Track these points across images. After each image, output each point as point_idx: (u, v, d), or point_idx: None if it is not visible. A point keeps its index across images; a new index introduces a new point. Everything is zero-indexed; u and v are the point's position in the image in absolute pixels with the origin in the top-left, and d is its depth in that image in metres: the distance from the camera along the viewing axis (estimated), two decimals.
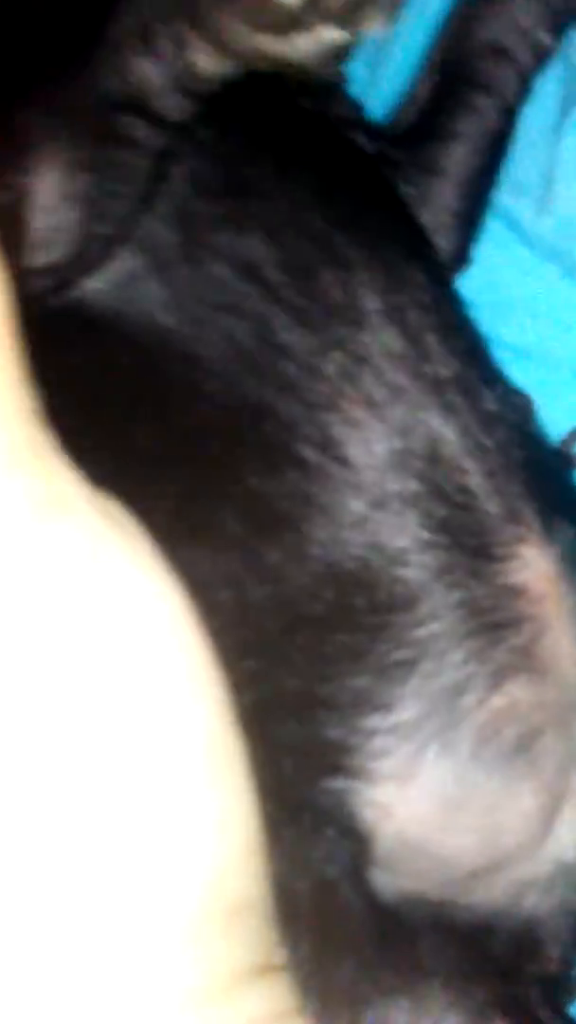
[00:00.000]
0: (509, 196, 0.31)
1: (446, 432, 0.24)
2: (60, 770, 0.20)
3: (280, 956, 0.24)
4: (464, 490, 0.24)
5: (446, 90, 0.30)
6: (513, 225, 0.32)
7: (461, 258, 0.30)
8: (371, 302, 0.24)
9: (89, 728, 0.21)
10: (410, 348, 0.24)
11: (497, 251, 0.32)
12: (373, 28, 0.20)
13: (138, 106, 0.22)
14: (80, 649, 0.21)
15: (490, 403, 0.25)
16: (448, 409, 0.24)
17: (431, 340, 0.24)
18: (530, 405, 0.33)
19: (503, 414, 0.25)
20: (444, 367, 0.24)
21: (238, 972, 0.22)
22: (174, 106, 0.22)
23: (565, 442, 0.32)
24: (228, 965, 0.22)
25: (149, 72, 0.21)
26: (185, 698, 0.22)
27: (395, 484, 0.23)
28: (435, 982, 0.23)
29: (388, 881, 0.24)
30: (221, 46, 0.21)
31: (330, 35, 0.19)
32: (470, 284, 0.32)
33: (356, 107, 0.29)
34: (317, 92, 0.27)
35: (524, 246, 0.32)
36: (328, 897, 0.23)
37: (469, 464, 0.24)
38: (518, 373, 0.32)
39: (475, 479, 0.24)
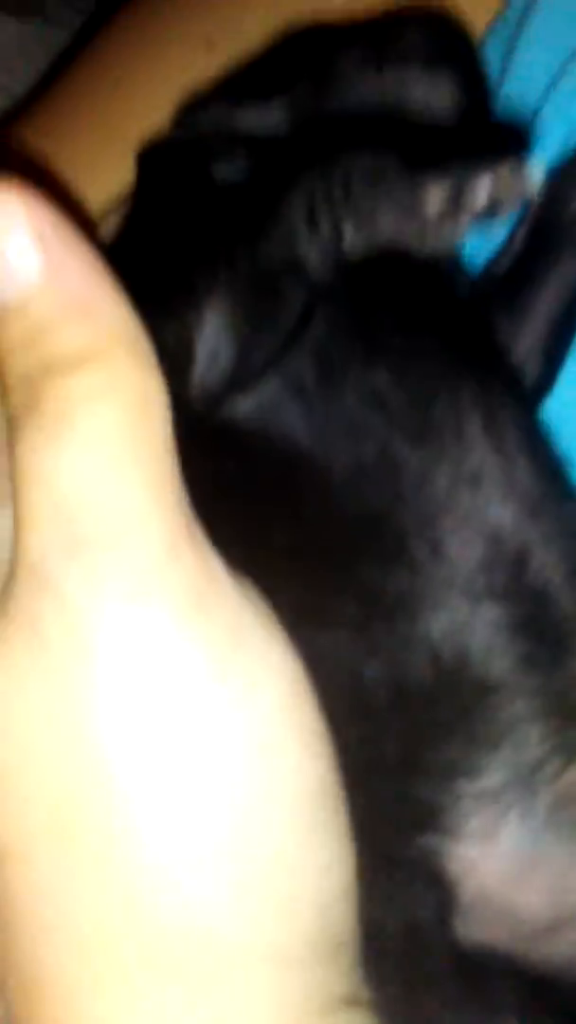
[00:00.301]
0: None
1: (532, 540, 0.27)
2: (207, 821, 0.24)
3: (367, 991, 0.27)
4: (544, 590, 0.27)
5: (537, 248, 0.33)
6: None
7: (545, 385, 0.34)
8: (474, 429, 0.28)
9: (227, 788, 0.24)
10: (505, 467, 0.28)
11: None
12: (506, 214, 0.24)
13: (296, 269, 0.27)
14: (222, 718, 0.24)
15: (569, 515, 0.29)
16: (534, 521, 0.28)
17: (522, 460, 0.28)
18: None
19: None
20: (533, 484, 0.28)
21: (334, 998, 0.25)
22: (324, 272, 0.27)
23: None
24: (326, 990, 0.25)
25: (308, 248, 0.26)
26: (301, 761, 0.25)
27: (487, 584, 0.27)
28: (506, 1021, 0.26)
29: (469, 928, 0.27)
30: (372, 238, 0.25)
31: (462, 232, 0.24)
32: (555, 406, 0.37)
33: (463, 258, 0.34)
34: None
35: None
36: (416, 939, 0.26)
37: (549, 568, 0.27)
38: None
39: (553, 581, 0.27)
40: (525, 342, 0.33)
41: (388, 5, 0.40)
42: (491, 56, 0.41)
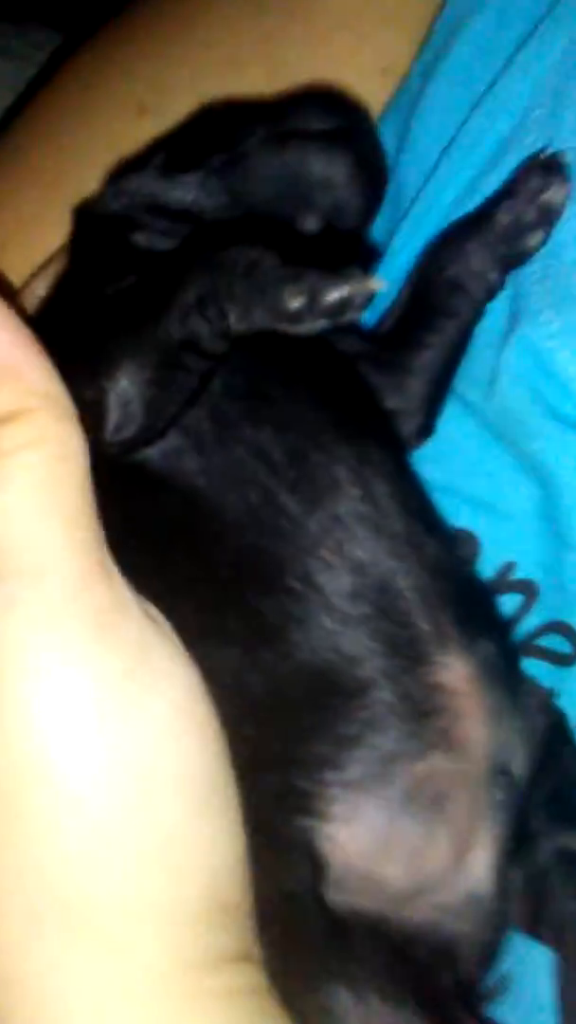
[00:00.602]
0: (465, 385, 0.39)
1: (394, 571, 0.32)
2: (112, 799, 0.28)
3: (257, 949, 0.31)
4: (405, 613, 0.32)
5: (417, 311, 0.38)
6: (468, 406, 0.39)
7: (427, 431, 0.38)
8: (345, 477, 0.33)
9: (131, 772, 0.29)
10: (372, 510, 0.33)
11: (456, 425, 0.39)
12: (353, 316, 0.29)
13: (190, 345, 0.31)
14: (127, 715, 0.29)
15: (430, 549, 0.33)
16: (397, 555, 0.32)
17: (388, 503, 0.33)
18: (475, 541, 0.41)
19: (439, 557, 0.33)
20: (397, 523, 0.33)
21: (226, 954, 0.30)
22: (215, 347, 0.31)
23: (499, 573, 0.40)
24: (217, 947, 0.30)
25: (200, 328, 0.30)
26: (195, 751, 0.30)
27: (354, 608, 0.32)
28: (370, 976, 0.31)
29: (338, 897, 0.32)
30: (249, 323, 0.30)
31: (325, 322, 0.29)
32: (437, 448, 0.41)
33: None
34: None
35: (476, 422, 0.39)
36: (292, 906, 0.31)
37: (410, 594, 0.32)
38: (471, 517, 0.40)
39: (414, 605, 0.32)
40: (409, 395, 0.38)
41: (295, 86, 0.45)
42: (390, 128, 0.46)
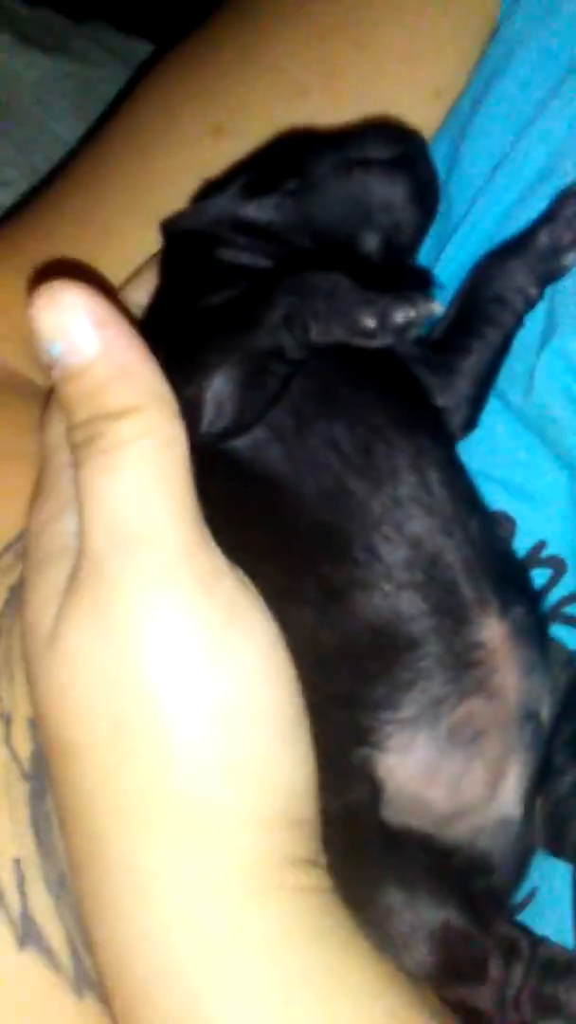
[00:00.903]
0: (507, 384, 0.44)
1: (443, 546, 0.38)
2: (216, 728, 0.34)
3: (324, 857, 0.38)
4: (452, 581, 0.38)
5: (465, 320, 0.43)
6: (508, 403, 0.44)
7: (471, 425, 0.44)
8: (403, 465, 0.38)
9: (229, 706, 0.35)
10: (425, 493, 0.38)
11: (498, 419, 0.44)
12: (416, 333, 0.35)
13: (277, 353, 0.37)
14: (225, 661, 0.35)
15: (474, 528, 0.38)
16: (446, 532, 0.38)
17: (439, 488, 0.38)
18: (512, 522, 0.46)
19: (482, 534, 0.39)
20: (446, 506, 0.38)
21: (298, 857, 0.36)
22: (297, 355, 0.37)
23: (532, 550, 0.46)
24: (291, 850, 0.36)
25: (286, 340, 0.36)
26: (278, 692, 0.36)
27: (410, 576, 0.37)
28: (417, 878, 0.36)
29: (392, 816, 0.38)
30: (328, 338, 0.36)
31: (393, 338, 0.35)
32: (480, 440, 0.45)
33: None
34: None
35: (515, 418, 0.44)
36: (354, 820, 0.37)
37: (456, 565, 0.38)
38: (509, 501, 0.45)
39: (459, 575, 0.38)
40: (457, 393, 0.43)
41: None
42: (441, 149, 0.51)
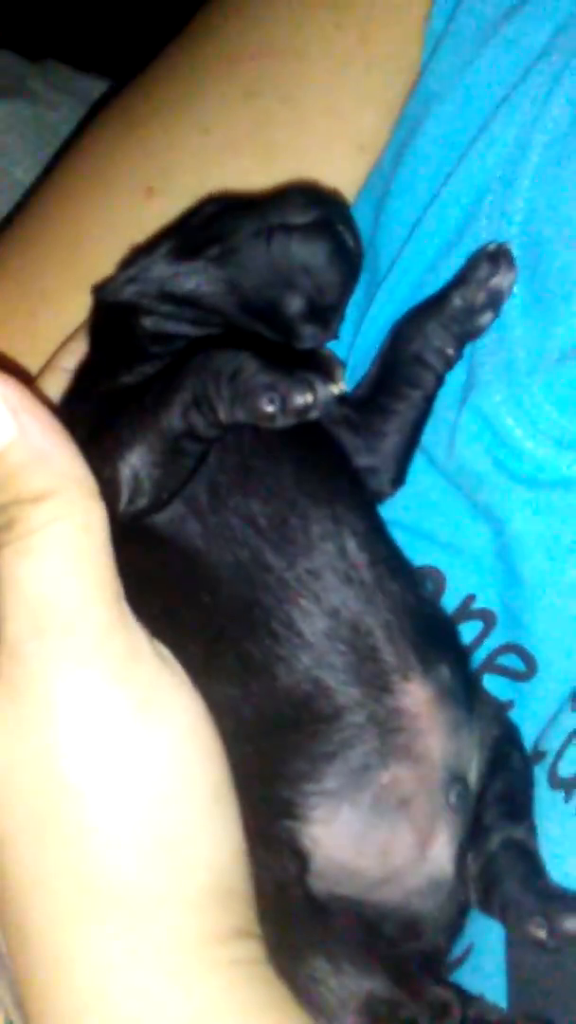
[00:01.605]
0: (430, 440, 0.44)
1: (363, 614, 0.38)
2: (136, 811, 0.34)
3: (256, 928, 0.38)
4: (373, 648, 0.38)
5: (387, 381, 0.43)
6: (432, 460, 0.44)
7: (398, 483, 0.44)
8: (318, 536, 0.38)
9: (150, 787, 0.35)
10: (343, 562, 0.38)
11: (423, 476, 0.44)
12: (317, 415, 0.35)
13: (189, 433, 0.37)
14: (146, 740, 0.35)
15: (395, 591, 0.39)
16: (366, 600, 0.38)
17: (357, 555, 0.38)
18: (442, 577, 0.46)
19: (403, 597, 0.39)
20: (366, 572, 0.39)
21: (233, 930, 0.36)
22: (209, 434, 0.37)
23: (462, 604, 0.45)
24: (223, 925, 0.36)
25: (196, 420, 0.37)
26: (202, 769, 0.36)
27: (330, 647, 0.37)
28: (344, 948, 0.36)
29: (320, 885, 0.38)
30: (235, 419, 0.36)
31: (294, 420, 0.35)
32: (409, 495, 0.45)
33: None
34: None
35: (440, 474, 0.44)
36: (281, 893, 0.37)
37: (377, 632, 0.38)
38: (438, 556, 0.45)
39: (381, 642, 0.38)
40: (382, 453, 0.43)
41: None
42: (367, 204, 0.51)
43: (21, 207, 0.67)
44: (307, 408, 0.34)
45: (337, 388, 0.35)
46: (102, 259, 0.49)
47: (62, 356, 0.46)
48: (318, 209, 0.44)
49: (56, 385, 0.44)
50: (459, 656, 0.41)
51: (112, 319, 0.45)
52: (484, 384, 0.42)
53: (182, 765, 0.35)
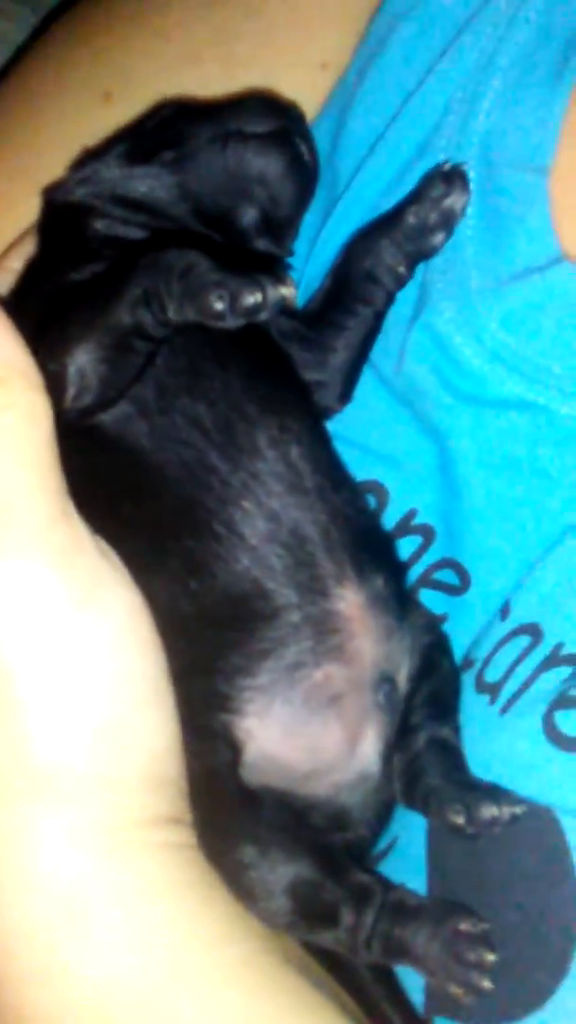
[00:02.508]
0: (379, 358, 0.44)
1: (303, 520, 0.38)
2: (74, 696, 0.35)
3: (188, 816, 0.39)
4: (311, 554, 0.38)
5: (338, 296, 0.43)
6: (381, 376, 0.45)
7: (345, 398, 0.44)
8: (264, 442, 0.39)
9: (88, 675, 0.35)
10: (286, 469, 0.39)
11: (371, 391, 0.45)
12: (266, 316, 0.35)
13: (137, 330, 0.37)
14: (85, 631, 0.35)
15: (335, 502, 0.39)
16: (307, 507, 0.38)
17: (301, 464, 0.39)
18: (384, 491, 0.47)
19: (343, 508, 0.39)
20: (308, 480, 0.39)
21: (163, 816, 0.37)
22: (157, 332, 0.37)
23: (403, 518, 0.46)
24: (155, 810, 0.37)
25: (145, 318, 0.36)
26: (139, 659, 0.37)
27: (269, 550, 0.38)
28: (272, 835, 0.37)
29: (251, 775, 0.38)
30: (184, 317, 0.36)
31: (243, 320, 0.35)
32: (355, 411, 0.45)
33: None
34: None
35: (387, 390, 0.45)
36: (214, 781, 0.38)
37: (315, 538, 0.38)
38: (382, 471, 0.45)
39: (318, 548, 0.38)
40: (331, 368, 0.44)
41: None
42: (329, 122, 0.51)
43: None
44: (256, 308, 0.34)
45: (287, 291, 0.35)
46: (56, 164, 0.48)
47: (10, 257, 0.45)
48: (276, 119, 0.44)
49: (3, 285, 0.44)
50: (394, 569, 0.42)
51: (62, 220, 0.44)
52: (435, 301, 0.42)
53: (118, 656, 0.36)
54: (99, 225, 0.43)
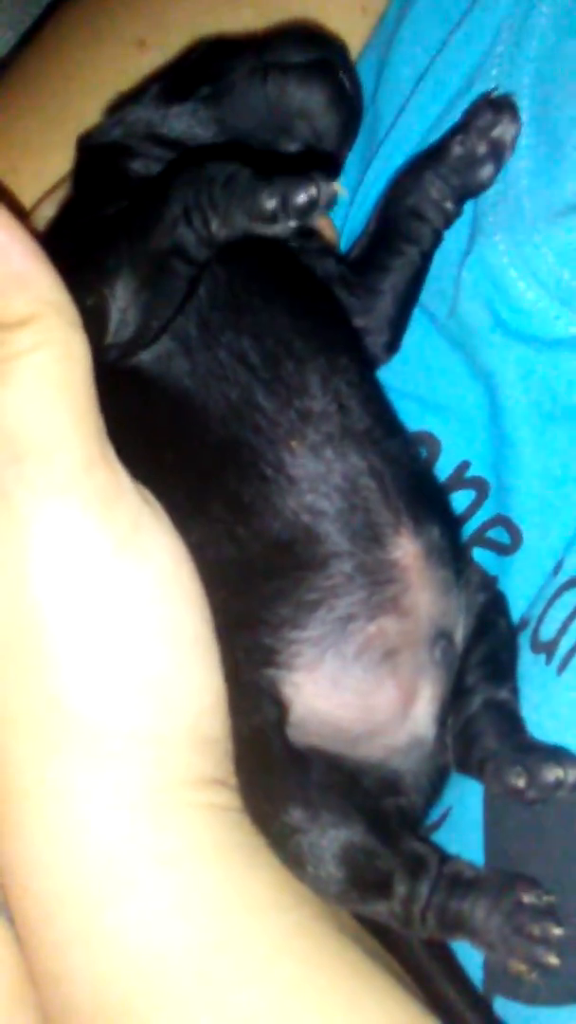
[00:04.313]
0: (431, 300, 0.41)
1: (357, 465, 0.35)
2: (114, 647, 0.32)
3: (233, 778, 0.36)
4: (365, 500, 0.35)
5: (384, 237, 0.40)
6: (433, 320, 0.42)
7: (393, 348, 0.41)
8: (314, 381, 0.35)
9: (128, 625, 0.32)
10: (338, 411, 0.35)
11: (422, 336, 0.42)
12: (320, 215, 0.31)
13: (179, 252, 0.34)
14: (124, 578, 0.33)
15: (389, 447, 0.36)
16: (360, 451, 0.35)
17: (353, 406, 0.36)
18: (437, 443, 0.44)
19: (397, 454, 0.36)
20: (360, 424, 0.36)
21: (208, 776, 0.34)
22: (200, 253, 0.34)
23: (456, 471, 0.43)
24: (199, 770, 0.34)
25: (187, 236, 0.33)
26: (182, 610, 0.34)
27: (321, 494, 0.35)
28: (322, 797, 0.34)
29: (300, 735, 0.35)
30: (231, 228, 0.33)
31: (296, 222, 0.32)
32: (406, 360, 0.42)
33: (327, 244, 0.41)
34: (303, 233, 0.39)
35: (441, 336, 0.42)
36: (260, 741, 0.35)
37: (370, 483, 0.35)
38: (434, 422, 0.42)
39: (374, 493, 0.35)
40: (378, 314, 0.40)
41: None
42: (369, 64, 0.48)
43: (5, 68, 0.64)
44: (310, 205, 0.31)
45: (338, 186, 0.32)
46: (91, 113, 0.46)
47: (44, 206, 0.43)
48: (318, 49, 0.41)
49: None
50: (450, 521, 0.39)
51: (97, 162, 0.41)
52: (487, 235, 0.39)
53: (162, 605, 0.33)
54: (136, 165, 0.40)
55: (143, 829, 0.32)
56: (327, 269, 0.40)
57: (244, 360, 0.35)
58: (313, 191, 0.31)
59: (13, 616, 0.32)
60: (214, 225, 0.33)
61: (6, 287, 0.32)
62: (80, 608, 0.32)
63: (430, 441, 0.42)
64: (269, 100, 0.39)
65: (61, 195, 0.43)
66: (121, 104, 0.44)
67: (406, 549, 0.36)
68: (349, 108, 0.40)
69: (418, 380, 0.43)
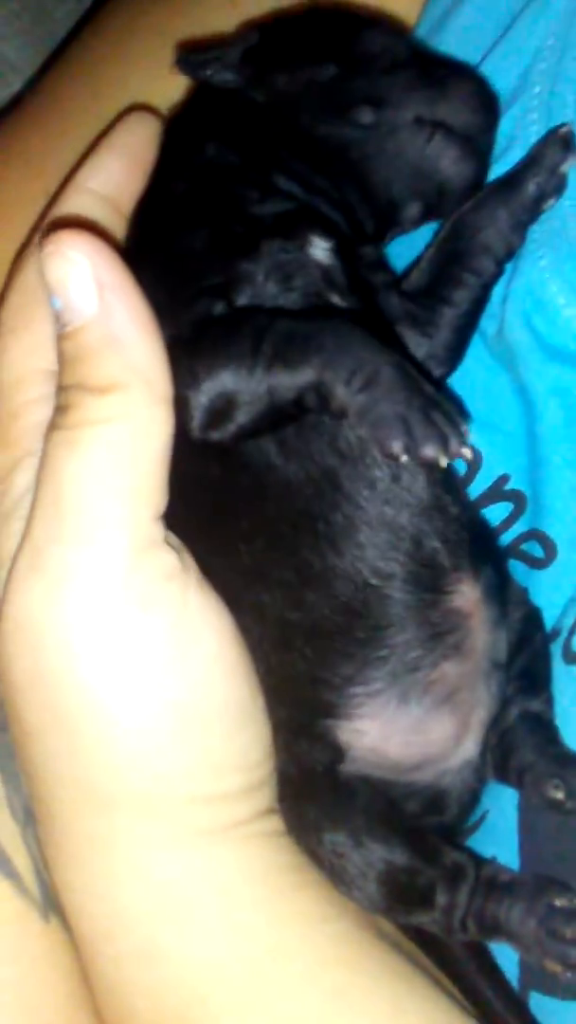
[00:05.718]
0: (484, 319, 0.41)
1: (423, 531, 0.36)
2: (165, 725, 0.33)
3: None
4: (431, 557, 0.36)
5: (449, 270, 0.39)
6: (482, 335, 0.41)
7: (450, 371, 0.41)
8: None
9: (177, 701, 0.33)
10: (406, 484, 0.35)
11: (472, 355, 0.41)
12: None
13: (298, 404, 0.33)
14: (169, 663, 0.32)
15: (451, 507, 0.36)
16: (427, 517, 0.36)
17: (420, 478, 0.36)
18: (479, 455, 0.42)
19: (459, 511, 0.37)
20: (426, 494, 0.36)
21: (259, 811, 0.35)
22: (318, 412, 0.33)
23: (495, 483, 0.42)
24: (254, 808, 0.35)
25: (310, 400, 0.33)
26: (227, 688, 0.34)
27: (388, 560, 0.35)
28: (367, 824, 0.35)
29: (351, 768, 0.36)
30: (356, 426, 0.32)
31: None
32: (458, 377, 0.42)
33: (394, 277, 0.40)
34: (370, 267, 0.39)
35: (487, 351, 0.41)
36: (309, 775, 0.36)
37: (436, 545, 0.36)
38: (478, 435, 0.42)
39: (439, 553, 0.36)
40: (437, 344, 0.40)
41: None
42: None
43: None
44: (434, 462, 0.31)
45: (467, 451, 0.31)
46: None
47: (88, 173, 0.38)
48: (484, 119, 0.38)
49: (80, 207, 0.37)
50: (499, 554, 0.40)
51: (195, 153, 0.38)
52: (532, 250, 0.39)
53: (213, 683, 0.33)
54: (212, 148, 0.37)
55: (191, 859, 0.34)
56: (393, 306, 0.39)
57: (332, 443, 0.35)
58: (441, 455, 0.31)
59: (61, 695, 0.32)
60: (339, 410, 0.32)
61: (100, 348, 0.31)
62: (130, 688, 0.32)
63: (472, 454, 0.42)
64: (422, 160, 0.37)
65: (107, 160, 0.38)
66: (256, 43, 0.39)
67: (468, 596, 0.37)
68: (478, 189, 0.39)
69: (462, 393, 0.42)
